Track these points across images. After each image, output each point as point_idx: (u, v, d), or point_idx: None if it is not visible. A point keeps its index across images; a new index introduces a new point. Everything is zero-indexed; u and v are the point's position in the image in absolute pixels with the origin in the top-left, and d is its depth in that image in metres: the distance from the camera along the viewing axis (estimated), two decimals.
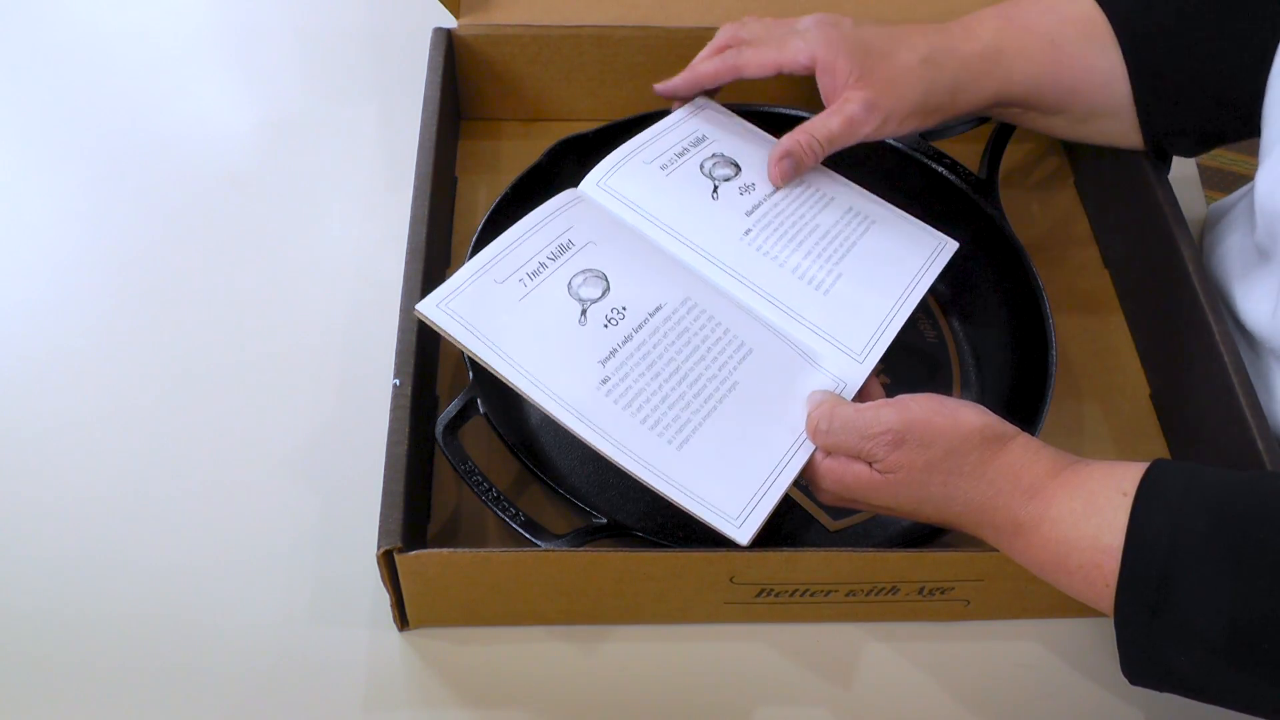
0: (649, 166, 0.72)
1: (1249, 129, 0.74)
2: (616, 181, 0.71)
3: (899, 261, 0.71)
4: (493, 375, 0.61)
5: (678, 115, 0.76)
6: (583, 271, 0.65)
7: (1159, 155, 0.79)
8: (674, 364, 0.63)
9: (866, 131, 0.71)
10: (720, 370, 0.64)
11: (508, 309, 0.63)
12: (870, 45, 0.71)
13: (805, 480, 0.63)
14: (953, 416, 0.59)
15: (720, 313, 0.66)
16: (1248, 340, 0.74)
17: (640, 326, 0.64)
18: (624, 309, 0.64)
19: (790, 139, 0.71)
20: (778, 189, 0.72)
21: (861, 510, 0.63)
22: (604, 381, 0.62)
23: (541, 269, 0.65)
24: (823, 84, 0.72)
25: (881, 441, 0.59)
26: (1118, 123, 0.76)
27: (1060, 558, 0.56)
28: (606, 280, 0.65)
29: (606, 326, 0.64)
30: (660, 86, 0.76)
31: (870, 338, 0.68)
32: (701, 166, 0.72)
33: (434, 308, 0.62)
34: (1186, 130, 0.76)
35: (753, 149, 0.74)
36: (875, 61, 0.71)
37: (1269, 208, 0.69)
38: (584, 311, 0.64)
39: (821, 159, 0.72)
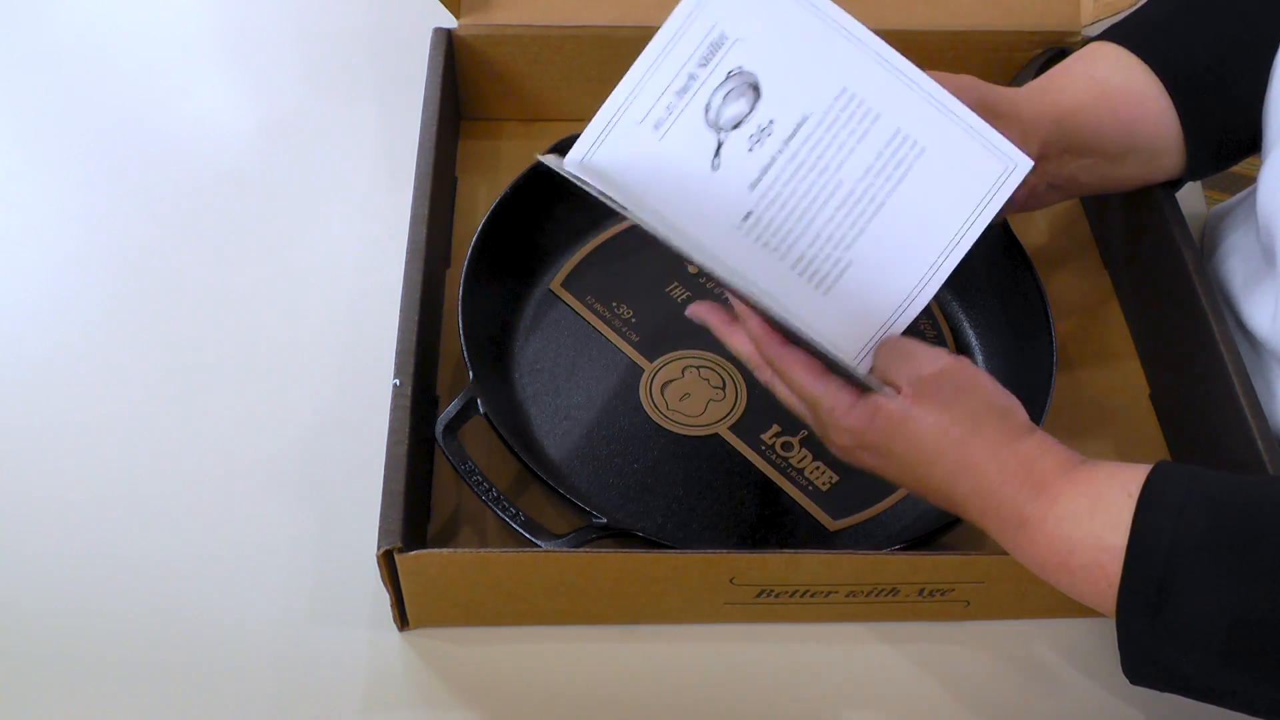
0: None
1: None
2: (602, 157, 0.63)
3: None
4: (493, 374, 0.61)
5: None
6: (727, 81, 0.59)
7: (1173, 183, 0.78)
8: (823, 181, 0.59)
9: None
10: (873, 183, 0.59)
11: (647, 155, 0.59)
12: None
13: (825, 420, 0.61)
14: (991, 390, 0.60)
15: (877, 100, 0.60)
16: (1249, 342, 0.74)
17: (790, 137, 0.59)
18: (771, 122, 0.59)
19: None
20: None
21: (866, 468, 0.62)
22: (746, 218, 0.58)
23: (688, 86, 0.60)
24: None
25: (927, 372, 0.59)
26: (1174, 158, 0.74)
27: (1063, 556, 0.56)
28: (757, 89, 0.60)
29: (751, 150, 0.59)
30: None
31: (872, 335, 0.64)
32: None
33: (578, 166, 0.58)
34: (1226, 150, 0.75)
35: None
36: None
37: (1269, 208, 0.70)
38: (720, 147, 0.60)
39: None
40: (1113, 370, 0.81)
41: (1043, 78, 0.74)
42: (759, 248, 0.58)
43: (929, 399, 0.59)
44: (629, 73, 0.62)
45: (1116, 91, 0.73)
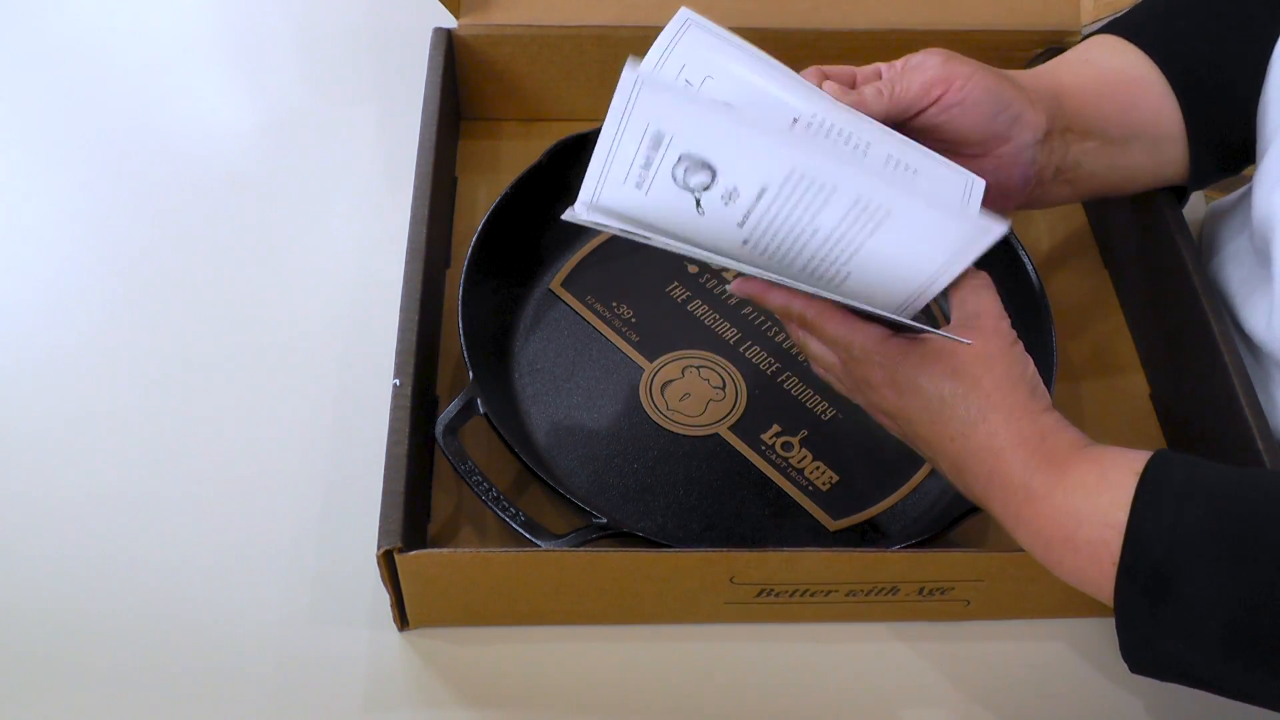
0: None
1: None
2: (606, 202, 0.64)
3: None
4: (493, 374, 0.61)
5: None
6: (680, 161, 0.61)
7: (1179, 190, 0.77)
8: (800, 229, 0.60)
9: (936, 69, 0.65)
10: (847, 232, 0.60)
11: (640, 205, 0.61)
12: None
13: (860, 352, 0.61)
14: (1026, 357, 0.60)
15: (829, 177, 0.60)
16: (1247, 346, 0.74)
17: (758, 199, 0.60)
18: (735, 189, 0.60)
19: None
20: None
21: (873, 411, 0.62)
22: (744, 243, 0.60)
23: (649, 162, 0.61)
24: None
25: (995, 319, 0.60)
26: (1180, 147, 0.73)
27: (1069, 529, 0.56)
28: (710, 166, 0.61)
29: (727, 205, 0.60)
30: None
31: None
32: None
33: (589, 210, 0.60)
34: (1229, 151, 0.74)
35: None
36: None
37: (1263, 213, 0.70)
38: (698, 201, 0.61)
39: (883, 100, 0.65)
40: (1113, 370, 0.81)
41: (1040, 66, 0.74)
42: (765, 262, 0.60)
43: (974, 346, 0.59)
44: (599, 142, 0.63)
45: (1113, 75, 0.72)
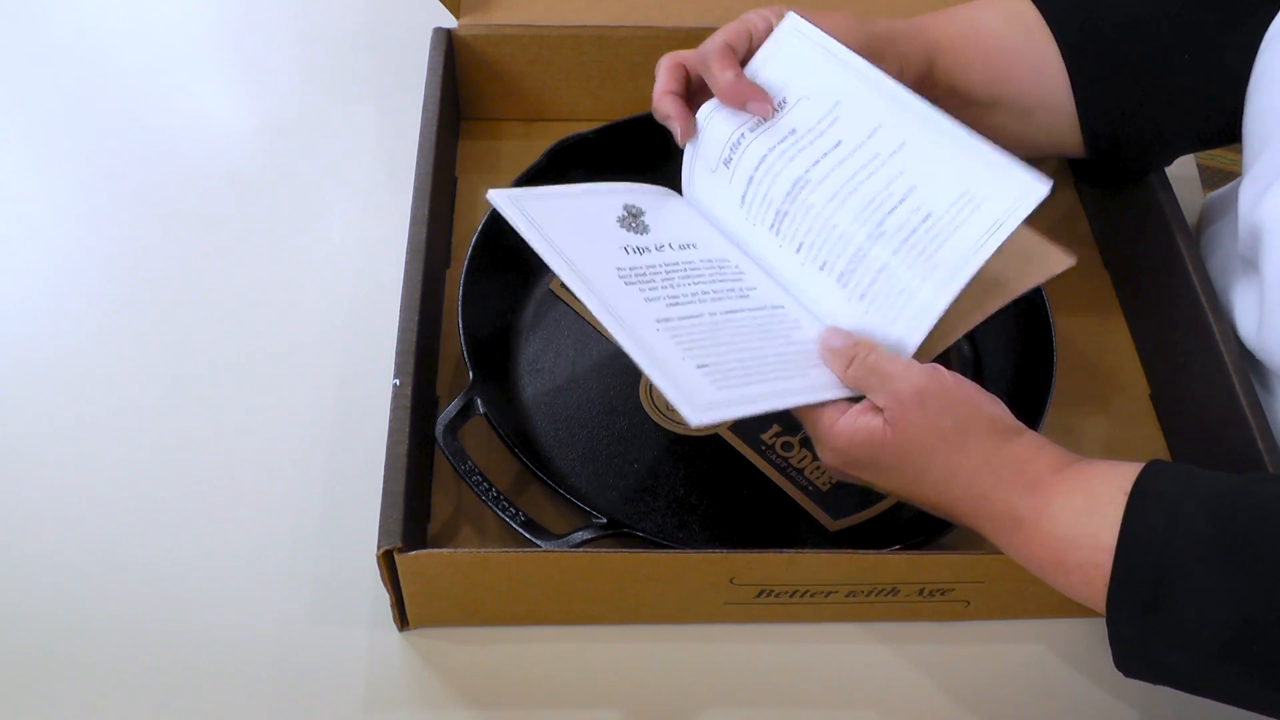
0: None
1: (1206, 135, 0.74)
2: (694, 192, 0.71)
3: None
4: (493, 374, 0.61)
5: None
6: (627, 207, 0.67)
7: (1100, 162, 0.77)
8: (698, 291, 0.64)
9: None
10: (749, 308, 0.65)
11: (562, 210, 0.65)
12: (802, 10, 0.69)
13: (813, 427, 0.62)
14: (974, 399, 0.60)
15: (757, 282, 0.67)
16: (1244, 349, 0.74)
17: (675, 250, 0.66)
18: (663, 244, 0.66)
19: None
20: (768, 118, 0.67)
21: (858, 482, 0.62)
22: (621, 271, 0.64)
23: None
24: (758, 43, 0.69)
25: (902, 394, 0.59)
26: (1056, 119, 0.73)
27: (1059, 555, 0.56)
28: (647, 226, 0.67)
29: (636, 253, 0.65)
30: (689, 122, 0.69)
31: (896, 344, 0.64)
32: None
33: (504, 197, 0.64)
34: (1128, 131, 0.74)
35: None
36: (809, 17, 0.68)
37: (1249, 222, 0.70)
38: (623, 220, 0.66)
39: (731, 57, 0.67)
40: (1113, 370, 0.81)
41: (931, 13, 0.73)
42: (635, 294, 0.63)
43: (912, 415, 0.59)
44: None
45: (990, 37, 0.72)
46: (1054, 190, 0.60)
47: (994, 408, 0.60)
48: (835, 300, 0.65)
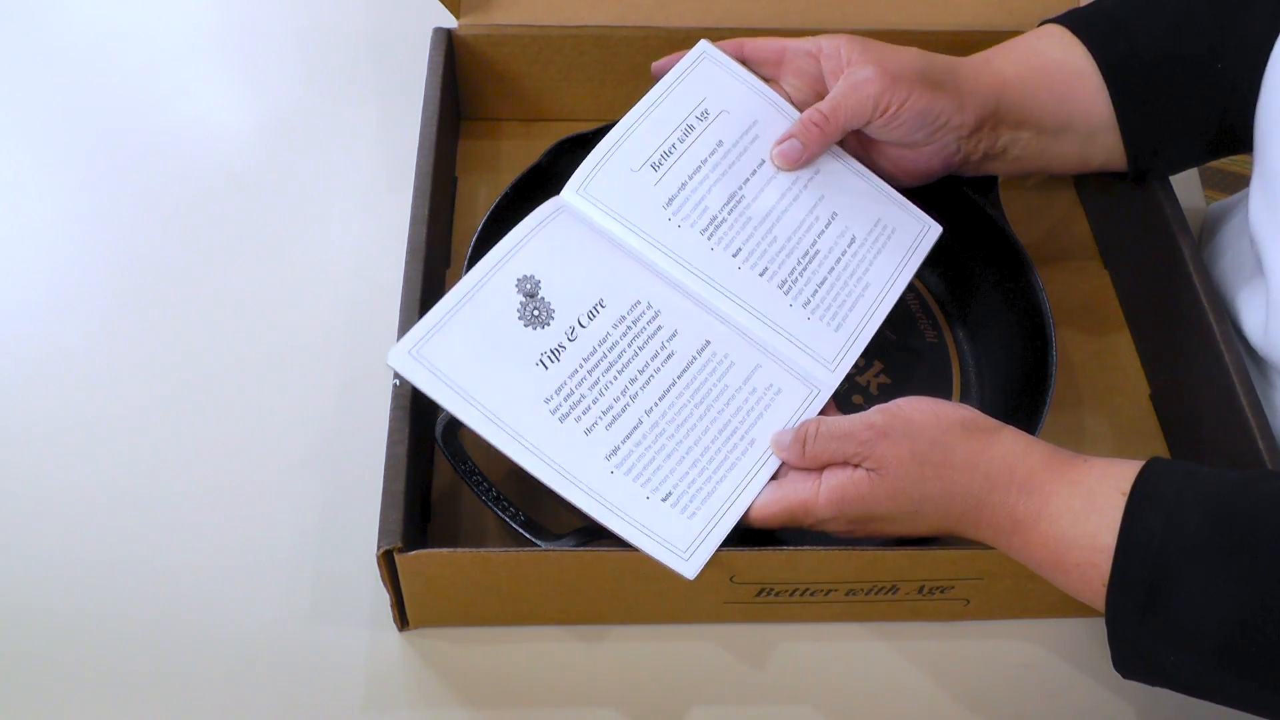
0: (636, 173, 0.70)
1: (1231, 145, 0.75)
2: (597, 188, 0.69)
3: (873, 261, 0.71)
4: None
5: (675, 74, 0.72)
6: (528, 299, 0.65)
7: (1137, 178, 0.78)
8: (627, 383, 0.64)
9: (875, 90, 0.68)
10: (685, 391, 0.65)
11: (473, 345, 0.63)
12: (868, 40, 0.71)
13: (804, 517, 0.61)
14: (933, 409, 0.60)
15: (677, 319, 0.66)
16: (1247, 347, 0.74)
17: (586, 327, 0.65)
18: (572, 327, 0.64)
19: (794, 126, 0.71)
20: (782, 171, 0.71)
21: (871, 536, 0.62)
22: (549, 402, 0.62)
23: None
24: (827, 68, 0.71)
25: (866, 437, 0.59)
26: (1116, 138, 0.74)
27: (1058, 555, 0.56)
28: (551, 310, 0.65)
29: (553, 360, 0.63)
30: (659, 63, 0.73)
31: (843, 345, 0.68)
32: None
33: (405, 356, 0.61)
34: (1168, 146, 0.75)
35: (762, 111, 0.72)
36: (875, 47, 0.71)
37: (1257, 226, 0.70)
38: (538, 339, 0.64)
39: (833, 138, 0.71)
40: (1113, 370, 0.81)
41: (991, 49, 0.75)
42: (572, 435, 0.63)
43: (884, 452, 0.59)
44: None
45: (1054, 66, 0.73)
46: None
47: (959, 411, 0.60)
48: (777, 304, 0.69)
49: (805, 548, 0.63)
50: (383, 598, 0.65)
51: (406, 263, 0.71)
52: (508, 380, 0.62)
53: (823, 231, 0.71)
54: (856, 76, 0.69)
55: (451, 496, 0.71)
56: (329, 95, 0.94)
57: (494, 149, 0.90)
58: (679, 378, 0.65)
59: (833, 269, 0.70)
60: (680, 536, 0.61)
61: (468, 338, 0.63)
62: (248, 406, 0.76)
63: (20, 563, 0.68)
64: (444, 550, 0.61)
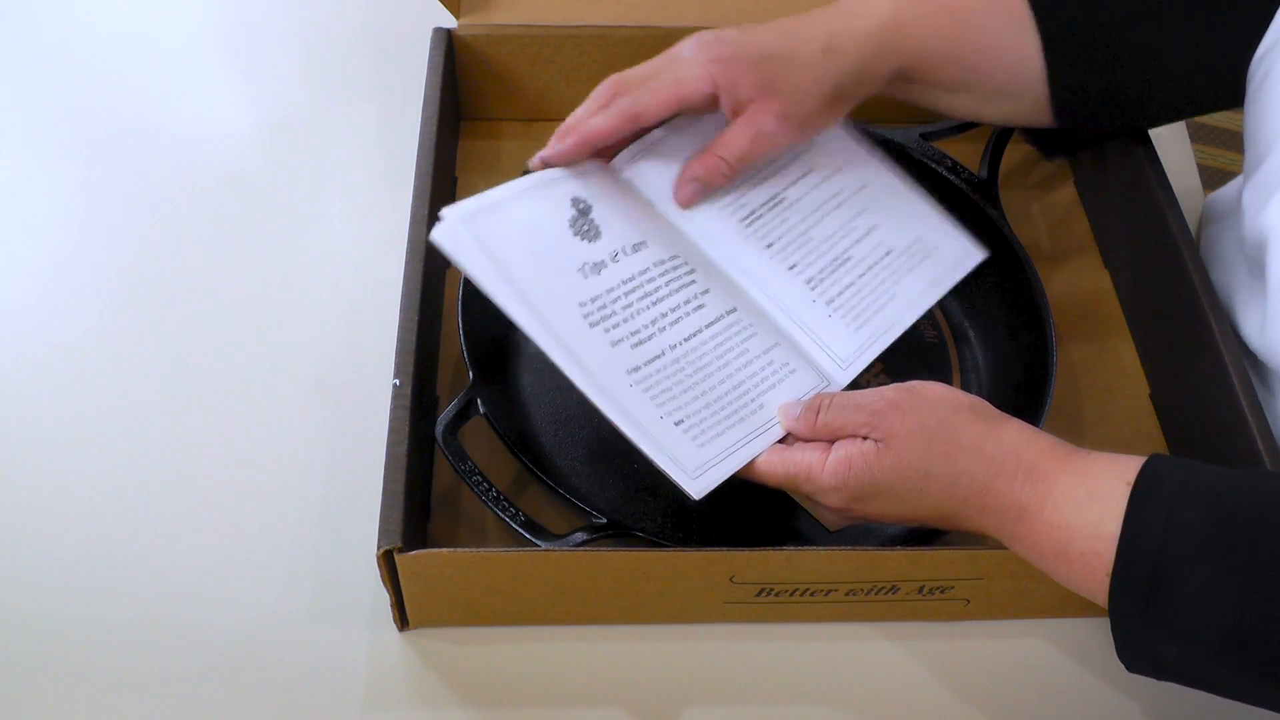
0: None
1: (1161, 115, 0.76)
2: (644, 167, 0.70)
3: (910, 272, 0.73)
4: (493, 374, 0.61)
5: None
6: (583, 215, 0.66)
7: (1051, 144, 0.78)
8: (657, 315, 0.65)
9: (783, 143, 0.70)
10: (715, 337, 0.66)
11: (516, 233, 0.64)
12: (767, 52, 0.68)
13: (805, 483, 0.62)
14: (946, 391, 0.61)
15: (710, 281, 0.68)
16: (1245, 348, 0.74)
17: (629, 256, 0.66)
18: (616, 252, 0.65)
19: (698, 162, 0.69)
20: (684, 208, 0.70)
21: (865, 520, 0.62)
22: (583, 307, 0.63)
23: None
24: (726, 105, 0.68)
25: (878, 408, 0.60)
26: (1023, 104, 0.74)
27: (1061, 544, 0.56)
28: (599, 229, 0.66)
29: (594, 273, 0.64)
30: (540, 156, 0.67)
31: (859, 347, 0.69)
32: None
33: (455, 221, 0.62)
34: (1099, 118, 0.75)
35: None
36: (777, 69, 0.67)
37: (1255, 227, 0.70)
38: (579, 229, 0.65)
39: (734, 179, 0.70)
40: (1113, 370, 0.81)
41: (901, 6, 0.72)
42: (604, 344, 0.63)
43: (895, 424, 0.59)
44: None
45: (966, 28, 0.72)
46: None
47: (970, 398, 0.61)
48: (801, 299, 0.70)
49: (805, 548, 0.63)
50: (383, 598, 0.65)
51: (406, 263, 0.71)
52: (548, 277, 0.63)
53: (859, 240, 0.72)
54: (763, 127, 0.67)
55: (451, 496, 0.71)
56: (329, 95, 0.94)
57: (494, 149, 0.90)
58: (706, 328, 0.66)
59: (862, 275, 0.71)
60: (690, 458, 0.62)
61: (518, 226, 0.63)
62: (248, 406, 0.76)
63: (20, 562, 0.68)
64: (444, 550, 0.61)
